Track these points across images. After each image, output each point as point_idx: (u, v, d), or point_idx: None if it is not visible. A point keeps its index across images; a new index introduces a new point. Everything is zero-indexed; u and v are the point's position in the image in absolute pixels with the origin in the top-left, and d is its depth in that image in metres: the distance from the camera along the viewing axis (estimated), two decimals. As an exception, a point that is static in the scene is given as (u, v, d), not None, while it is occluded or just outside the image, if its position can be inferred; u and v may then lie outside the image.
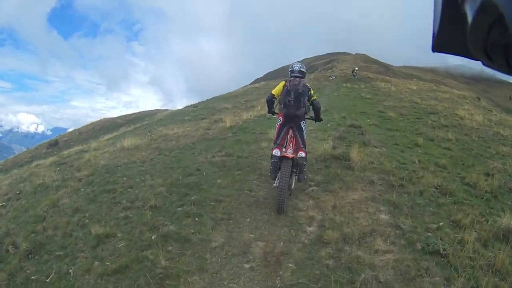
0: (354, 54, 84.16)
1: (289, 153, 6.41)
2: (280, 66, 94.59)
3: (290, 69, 6.96)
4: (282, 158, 6.32)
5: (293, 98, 6.46)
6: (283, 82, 6.78)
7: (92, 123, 44.82)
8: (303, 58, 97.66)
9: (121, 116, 48.38)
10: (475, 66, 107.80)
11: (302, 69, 6.96)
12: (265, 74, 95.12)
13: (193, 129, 14.13)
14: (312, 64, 74.26)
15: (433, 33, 0.73)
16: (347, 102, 21.45)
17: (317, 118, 7.24)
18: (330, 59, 78.70)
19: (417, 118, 16.26)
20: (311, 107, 7.03)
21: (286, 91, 6.58)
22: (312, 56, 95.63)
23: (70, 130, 49.05)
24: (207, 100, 32.63)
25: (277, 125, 6.79)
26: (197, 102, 32.68)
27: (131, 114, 49.85)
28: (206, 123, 15.54)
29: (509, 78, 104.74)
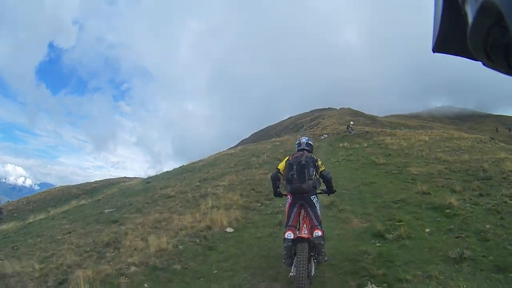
0: (339, 108, 78.37)
1: (304, 233, 5.20)
2: (266, 126, 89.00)
3: (296, 143, 6.35)
4: (297, 240, 5.11)
5: (296, 171, 5.44)
6: (287, 157, 5.84)
7: (44, 192, 37.52)
8: (288, 116, 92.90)
9: (80, 184, 41.10)
10: (456, 105, 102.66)
11: (309, 142, 6.22)
12: (251, 135, 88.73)
13: (45, 270, 7.26)
14: (297, 122, 69.54)
15: (434, 34, 0.69)
16: (359, 176, 13.64)
17: (329, 191, 6.17)
18: (315, 116, 72.97)
19: (480, 195, 9.90)
20: (321, 180, 5.82)
21: (288, 165, 5.63)
22: (297, 114, 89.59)
23: (57, 186, 43.30)
24: (167, 172, 25.57)
25: (287, 205, 5.70)
26: (163, 171, 26.53)
27: (92, 182, 42.03)
28: (90, 247, 8.75)
29: (493, 111, 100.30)
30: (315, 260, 5.34)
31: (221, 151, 31.36)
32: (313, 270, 5.21)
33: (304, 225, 5.46)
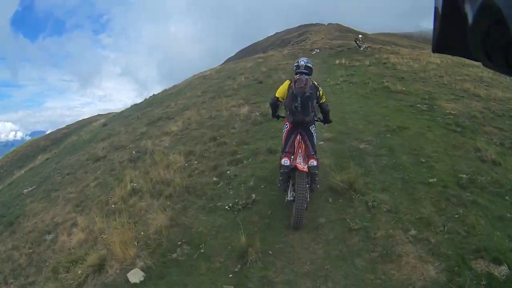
0: (327, 24, 71.84)
1: (301, 163, 4.82)
2: (252, 43, 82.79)
3: (295, 64, 5.41)
4: (295, 170, 4.76)
5: (300, 104, 4.87)
6: (288, 82, 5.17)
7: (12, 152, 30.97)
8: (275, 31, 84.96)
9: (50, 134, 34.41)
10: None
11: (308, 64, 5.33)
12: (237, 52, 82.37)
13: None
14: (283, 38, 63.42)
15: (434, 34, 0.67)
16: (376, 112, 9.29)
17: (325, 121, 5.58)
18: (303, 31, 66.90)
19: None
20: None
21: (291, 95, 4.96)
22: (283, 30, 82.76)
23: (48, 132, 38.11)
24: (135, 105, 20.79)
25: (284, 132, 5.23)
26: (127, 107, 21.86)
27: (63, 128, 34.68)
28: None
29: None
30: (308, 187, 4.86)
31: (197, 73, 25.60)
32: (308, 197, 4.77)
33: (300, 152, 5.02)
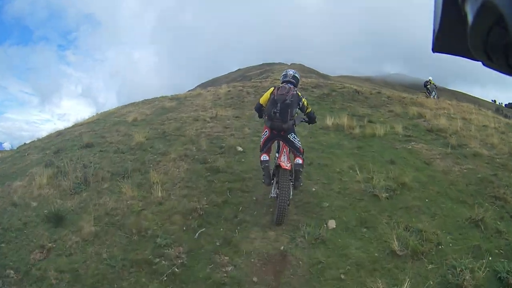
0: (289, 64, 66.37)
1: (285, 162, 4.85)
2: (212, 78, 76.16)
3: (282, 74, 5.33)
4: (279, 168, 4.85)
5: (279, 110, 4.77)
6: (271, 89, 5.04)
7: None
8: (237, 68, 78.84)
9: None
10: (411, 74, 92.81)
11: (296, 75, 5.23)
12: (196, 86, 74.24)
13: None
14: (245, 75, 57.58)
15: (434, 34, 0.63)
16: None
17: (311, 122, 5.40)
18: (265, 69, 61.33)
19: None
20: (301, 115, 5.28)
21: (272, 101, 4.87)
22: (245, 67, 76.78)
23: (5, 144, 36.20)
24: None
25: (262, 138, 5.11)
26: None
27: None
28: None
29: (447, 86, 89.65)
30: (291, 184, 4.96)
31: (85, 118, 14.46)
32: (291, 194, 4.88)
33: (284, 152, 4.98)
